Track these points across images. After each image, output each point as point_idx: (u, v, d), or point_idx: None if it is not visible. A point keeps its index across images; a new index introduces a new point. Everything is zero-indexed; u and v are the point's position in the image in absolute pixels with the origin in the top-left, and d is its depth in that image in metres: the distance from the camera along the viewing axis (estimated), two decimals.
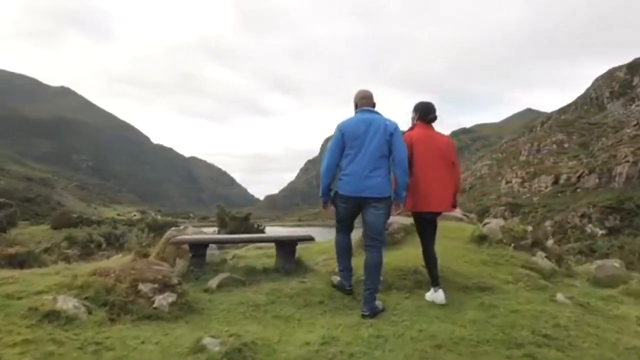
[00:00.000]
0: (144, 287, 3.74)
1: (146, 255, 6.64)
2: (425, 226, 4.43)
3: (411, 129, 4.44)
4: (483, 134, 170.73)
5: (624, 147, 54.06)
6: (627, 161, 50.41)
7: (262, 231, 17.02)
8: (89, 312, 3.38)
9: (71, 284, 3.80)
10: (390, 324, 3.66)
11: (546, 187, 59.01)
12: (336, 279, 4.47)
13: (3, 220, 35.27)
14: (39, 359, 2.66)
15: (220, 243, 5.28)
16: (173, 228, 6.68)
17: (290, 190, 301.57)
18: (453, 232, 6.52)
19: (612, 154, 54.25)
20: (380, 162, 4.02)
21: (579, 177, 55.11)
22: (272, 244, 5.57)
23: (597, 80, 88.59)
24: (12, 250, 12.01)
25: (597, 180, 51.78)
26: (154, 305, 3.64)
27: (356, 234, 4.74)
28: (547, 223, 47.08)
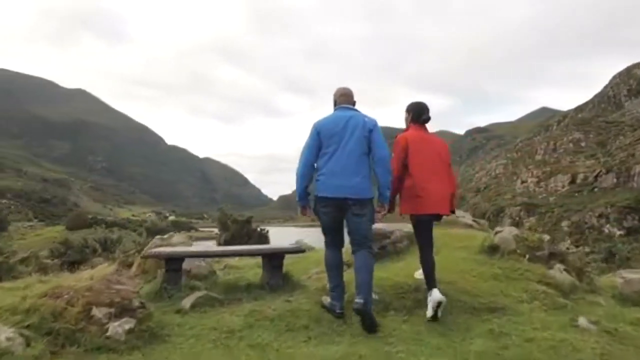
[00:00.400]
0: (97, 312, 3.25)
1: (131, 265, 6.22)
2: (423, 230, 4.12)
3: (405, 130, 4.24)
4: (498, 133, 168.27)
5: None
6: None
7: (265, 236, 16.50)
8: (27, 344, 2.90)
9: (17, 307, 3.32)
10: (383, 356, 3.14)
11: (563, 187, 57.64)
12: (327, 299, 3.97)
13: None
14: None
15: (196, 257, 4.76)
16: (158, 237, 6.23)
17: None
18: (461, 241, 5.94)
19: (630, 152, 52.78)
20: (360, 160, 3.75)
21: (596, 177, 53.73)
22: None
23: (614, 77, 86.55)
24: None
25: (614, 180, 50.42)
26: (107, 333, 3.15)
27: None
28: (564, 223, 46.18)
